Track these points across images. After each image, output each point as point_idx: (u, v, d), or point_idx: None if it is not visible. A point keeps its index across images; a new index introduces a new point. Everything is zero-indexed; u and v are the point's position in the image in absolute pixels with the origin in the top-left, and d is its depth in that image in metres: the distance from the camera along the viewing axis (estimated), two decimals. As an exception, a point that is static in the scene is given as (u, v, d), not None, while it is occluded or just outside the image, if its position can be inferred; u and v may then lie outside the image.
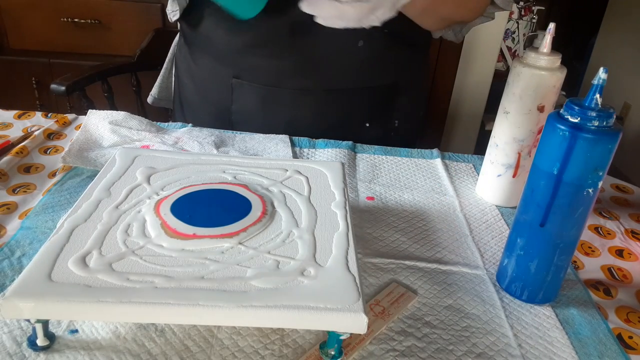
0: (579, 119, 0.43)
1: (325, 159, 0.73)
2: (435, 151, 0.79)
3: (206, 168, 0.54)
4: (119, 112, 0.75)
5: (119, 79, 1.24)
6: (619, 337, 0.47)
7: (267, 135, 0.77)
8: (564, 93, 1.93)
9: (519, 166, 0.64)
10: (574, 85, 2.96)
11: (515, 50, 2.41)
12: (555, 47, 0.58)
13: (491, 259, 0.57)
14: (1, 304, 0.36)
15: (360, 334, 0.43)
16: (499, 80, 2.14)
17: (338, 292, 0.39)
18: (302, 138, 0.78)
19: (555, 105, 0.60)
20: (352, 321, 0.37)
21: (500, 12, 0.84)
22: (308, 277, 0.40)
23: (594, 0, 2.88)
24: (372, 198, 0.65)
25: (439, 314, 0.48)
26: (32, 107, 1.68)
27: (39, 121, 0.77)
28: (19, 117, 0.78)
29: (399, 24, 0.82)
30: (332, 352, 0.41)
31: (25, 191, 0.60)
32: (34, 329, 0.39)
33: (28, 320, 0.38)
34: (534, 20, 2.41)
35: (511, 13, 2.35)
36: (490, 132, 0.67)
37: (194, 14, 0.82)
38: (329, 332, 0.40)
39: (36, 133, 0.72)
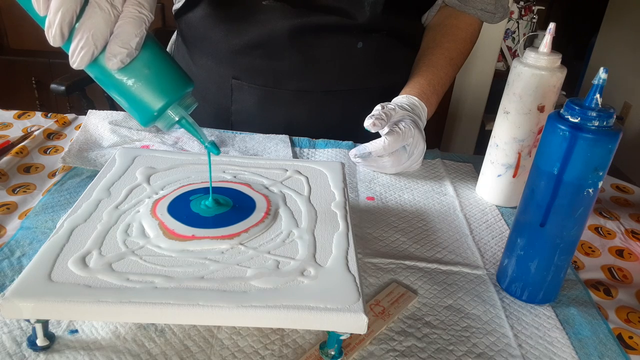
0: (579, 119, 0.43)
1: (325, 159, 0.73)
2: (435, 151, 0.79)
3: (206, 168, 0.54)
4: (119, 112, 0.75)
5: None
6: (619, 337, 0.47)
7: (267, 135, 0.77)
8: (564, 93, 1.93)
9: (519, 166, 0.64)
10: (574, 85, 2.97)
11: (515, 50, 2.41)
12: (555, 47, 0.58)
13: (491, 259, 0.57)
14: (1, 304, 0.36)
15: (360, 334, 0.43)
16: (499, 80, 2.14)
17: (338, 292, 0.39)
18: (302, 138, 0.78)
19: (555, 105, 0.60)
20: (352, 321, 0.37)
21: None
22: (308, 277, 0.40)
23: (594, 0, 2.88)
24: (372, 198, 0.65)
25: (439, 314, 0.48)
26: (32, 107, 1.68)
27: (39, 121, 0.77)
28: (19, 117, 0.78)
29: (398, 25, 0.82)
30: (332, 352, 0.41)
31: (25, 191, 0.60)
32: (33, 329, 0.39)
33: (28, 320, 0.38)
34: (534, 20, 2.41)
35: (511, 13, 2.35)
36: (490, 132, 0.67)
37: (192, 13, 0.82)
38: (329, 332, 0.40)
39: (36, 133, 0.72)
